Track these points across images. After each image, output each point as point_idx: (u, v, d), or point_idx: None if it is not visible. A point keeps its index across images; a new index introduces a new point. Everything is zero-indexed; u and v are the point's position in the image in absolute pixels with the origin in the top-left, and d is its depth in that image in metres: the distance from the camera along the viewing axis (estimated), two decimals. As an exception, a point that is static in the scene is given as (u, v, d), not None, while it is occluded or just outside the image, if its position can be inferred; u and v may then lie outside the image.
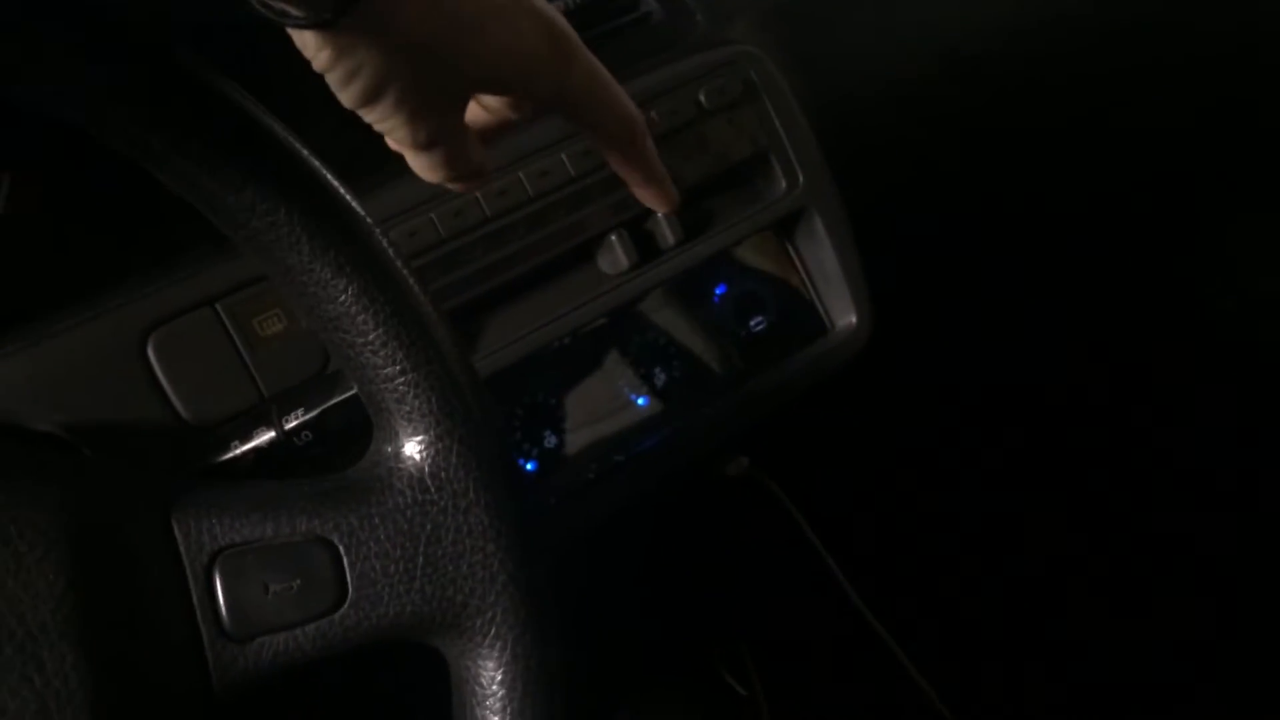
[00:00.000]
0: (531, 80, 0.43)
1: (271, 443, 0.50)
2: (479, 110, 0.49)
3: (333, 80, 0.38)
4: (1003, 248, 1.00)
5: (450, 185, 0.45)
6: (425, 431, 0.38)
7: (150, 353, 0.54)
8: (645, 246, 0.68)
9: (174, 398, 0.54)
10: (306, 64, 0.38)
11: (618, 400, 0.69)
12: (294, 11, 0.34)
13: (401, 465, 0.39)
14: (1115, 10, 0.81)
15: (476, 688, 0.40)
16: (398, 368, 0.37)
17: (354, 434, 0.49)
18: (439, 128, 0.42)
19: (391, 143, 0.43)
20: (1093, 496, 1.23)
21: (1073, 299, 1.15)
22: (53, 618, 0.34)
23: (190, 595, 0.37)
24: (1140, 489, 1.22)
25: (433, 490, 0.39)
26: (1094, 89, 0.83)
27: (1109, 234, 1.05)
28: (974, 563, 1.21)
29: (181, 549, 0.37)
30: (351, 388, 0.50)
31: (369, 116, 0.40)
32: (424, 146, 0.42)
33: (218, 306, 0.55)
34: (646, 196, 0.51)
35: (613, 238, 0.67)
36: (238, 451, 0.51)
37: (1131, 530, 1.21)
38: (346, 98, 0.38)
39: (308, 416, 0.50)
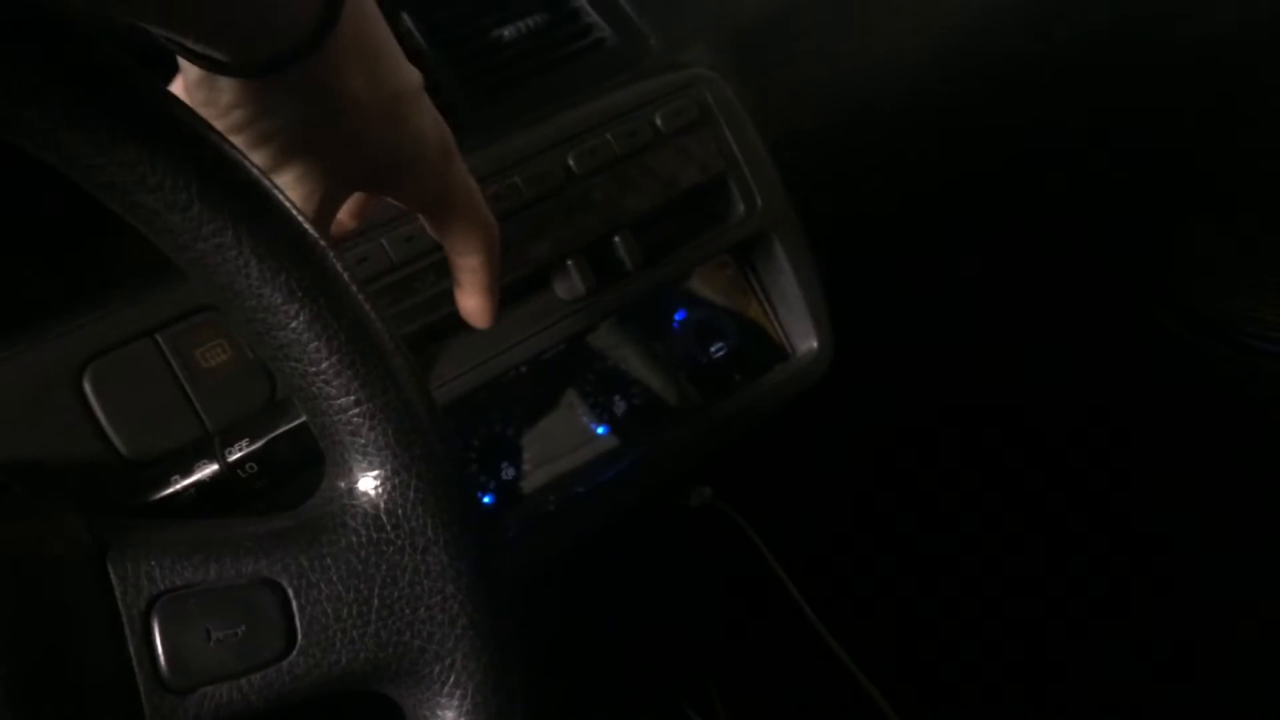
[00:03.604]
0: (421, 179, 0.44)
1: (214, 476, 0.48)
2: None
3: (244, 140, 0.36)
4: (961, 270, 1.00)
5: None
6: (381, 466, 0.36)
7: (87, 386, 0.51)
8: (603, 272, 0.66)
9: (111, 433, 0.51)
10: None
11: (577, 430, 0.67)
12: (219, 55, 0.33)
13: (355, 502, 0.36)
14: (1068, 53, 0.82)
15: None
16: (352, 398, 0.35)
17: (302, 467, 0.47)
18: (320, 211, 0.42)
19: None
20: (1053, 515, 1.24)
21: (1036, 320, 1.16)
22: None
23: (126, 644, 0.34)
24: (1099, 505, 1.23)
25: (389, 529, 0.36)
26: (1047, 128, 0.84)
27: (1070, 261, 1.06)
28: (945, 589, 1.20)
29: (117, 593, 0.34)
30: (299, 417, 0.47)
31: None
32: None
33: (158, 337, 0.53)
34: (474, 306, 0.51)
35: (570, 263, 0.65)
36: (178, 486, 0.48)
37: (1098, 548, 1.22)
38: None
39: (252, 448, 0.47)
